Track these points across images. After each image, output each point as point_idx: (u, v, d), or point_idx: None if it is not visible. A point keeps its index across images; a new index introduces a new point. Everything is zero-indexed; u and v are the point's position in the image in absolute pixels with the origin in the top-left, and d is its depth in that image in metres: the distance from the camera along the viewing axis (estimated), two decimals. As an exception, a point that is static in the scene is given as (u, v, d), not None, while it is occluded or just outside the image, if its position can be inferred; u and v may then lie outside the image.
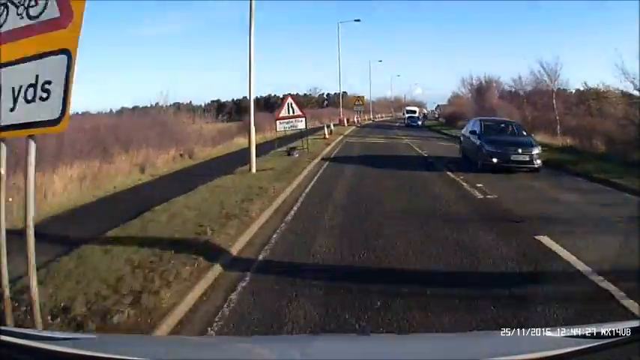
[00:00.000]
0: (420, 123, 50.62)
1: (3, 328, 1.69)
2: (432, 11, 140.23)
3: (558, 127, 28.08)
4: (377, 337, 2.63)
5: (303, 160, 14.83)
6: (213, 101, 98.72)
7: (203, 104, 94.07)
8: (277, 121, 16.57)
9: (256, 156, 12.83)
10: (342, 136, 28.87)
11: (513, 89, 39.70)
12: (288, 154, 16.19)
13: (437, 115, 75.88)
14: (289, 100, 16.57)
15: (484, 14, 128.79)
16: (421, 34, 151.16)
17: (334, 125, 36.59)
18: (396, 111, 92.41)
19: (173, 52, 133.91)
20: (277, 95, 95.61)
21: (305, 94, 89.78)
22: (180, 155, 18.61)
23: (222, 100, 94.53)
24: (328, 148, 20.32)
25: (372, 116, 68.82)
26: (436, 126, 51.04)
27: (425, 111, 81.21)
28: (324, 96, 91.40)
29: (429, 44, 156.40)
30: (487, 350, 1.70)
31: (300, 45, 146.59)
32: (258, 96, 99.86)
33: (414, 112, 59.65)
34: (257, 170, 12.44)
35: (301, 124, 16.34)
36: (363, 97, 50.83)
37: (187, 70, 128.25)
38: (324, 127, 28.15)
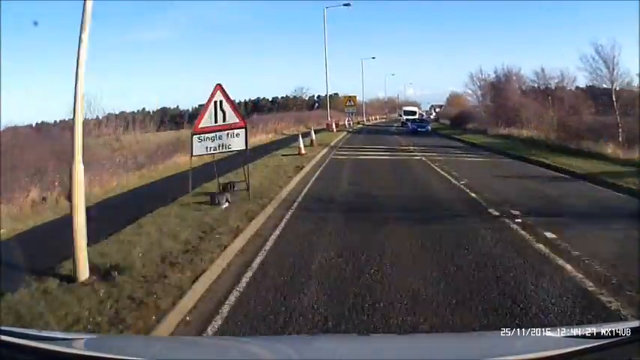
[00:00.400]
0: (429, 128, 37.63)
1: (3, 328, 1.62)
2: (424, 6, 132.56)
3: (620, 133, 19.95)
4: (377, 337, 2.52)
5: (230, 221, 6.97)
6: (200, 105, 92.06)
7: (191, 108, 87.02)
8: (194, 137, 8.88)
9: (161, 201, 7.00)
10: (326, 149, 20.33)
11: (536, 84, 33.12)
12: (212, 202, 8.34)
13: (433, 116, 69.13)
14: (217, 94, 8.87)
15: (482, 8, 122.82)
16: (414, 31, 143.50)
17: (320, 131, 29.62)
18: (390, 112, 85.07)
19: (166, 56, 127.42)
20: (267, 98, 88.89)
21: (294, 97, 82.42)
22: (43, 199, 10.67)
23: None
24: (297, 178, 11.89)
25: (364, 118, 60.59)
26: (441, 129, 41.46)
27: (420, 111, 74.76)
28: (315, 98, 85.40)
29: (422, 42, 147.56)
30: (487, 350, 1.69)
31: (291, 46, 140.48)
32: (247, 99, 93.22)
33: (414, 112, 48.77)
34: (92, 271, 5.00)
35: (237, 142, 8.69)
36: (355, 96, 43.02)
37: (179, 73, 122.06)
38: (299, 137, 19.35)
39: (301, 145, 17.92)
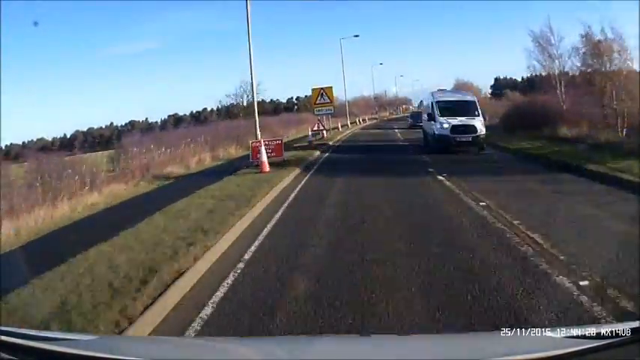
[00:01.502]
0: None
1: (3, 328, 1.62)
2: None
3: None
4: (377, 338, 2.48)
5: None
6: (170, 115, 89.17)
7: (160, 120, 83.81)
8: None
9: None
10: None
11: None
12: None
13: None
14: None
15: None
16: (400, 25, 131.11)
17: (239, 171, 14.01)
18: (379, 111, 73.02)
19: (137, 71, 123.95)
20: (239, 104, 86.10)
21: (231, 104, 55.23)
22: None
23: (180, 113, 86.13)
24: None
25: (348, 122, 42.74)
26: (501, 142, 18.23)
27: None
28: (294, 99, 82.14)
29: (407, 36, 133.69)
30: (487, 350, 1.70)
31: (270, 46, 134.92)
32: (219, 105, 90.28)
33: (467, 105, 17.34)
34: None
35: None
36: (329, 88, 26.12)
37: (147, 84, 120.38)
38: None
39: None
